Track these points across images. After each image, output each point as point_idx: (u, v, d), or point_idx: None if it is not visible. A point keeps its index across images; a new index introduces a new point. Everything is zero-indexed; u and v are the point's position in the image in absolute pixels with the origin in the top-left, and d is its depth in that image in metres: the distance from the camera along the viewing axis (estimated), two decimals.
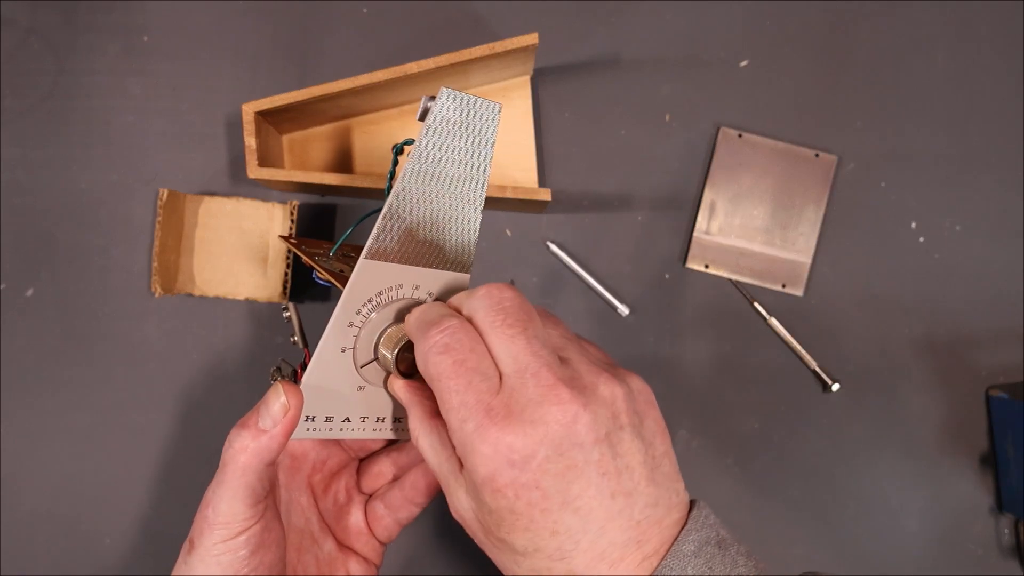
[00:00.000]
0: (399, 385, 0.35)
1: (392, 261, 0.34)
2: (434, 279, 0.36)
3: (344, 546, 0.39)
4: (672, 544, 0.30)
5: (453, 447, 0.31)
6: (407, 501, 0.39)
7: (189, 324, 0.55)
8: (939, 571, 0.55)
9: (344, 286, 0.34)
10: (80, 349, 0.55)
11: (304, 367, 0.35)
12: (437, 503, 0.54)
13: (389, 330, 0.35)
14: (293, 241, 0.36)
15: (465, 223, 0.36)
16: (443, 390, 0.30)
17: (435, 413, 0.33)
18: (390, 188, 0.35)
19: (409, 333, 0.33)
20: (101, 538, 0.54)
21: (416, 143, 0.33)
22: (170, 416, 0.55)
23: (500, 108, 0.35)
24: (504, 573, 0.32)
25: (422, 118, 0.33)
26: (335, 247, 0.41)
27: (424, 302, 0.36)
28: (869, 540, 0.55)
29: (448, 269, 0.36)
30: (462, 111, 0.34)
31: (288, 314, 0.38)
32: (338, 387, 0.35)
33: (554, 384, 0.29)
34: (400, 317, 0.35)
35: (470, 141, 0.34)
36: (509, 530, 0.29)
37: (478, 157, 0.35)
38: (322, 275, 0.38)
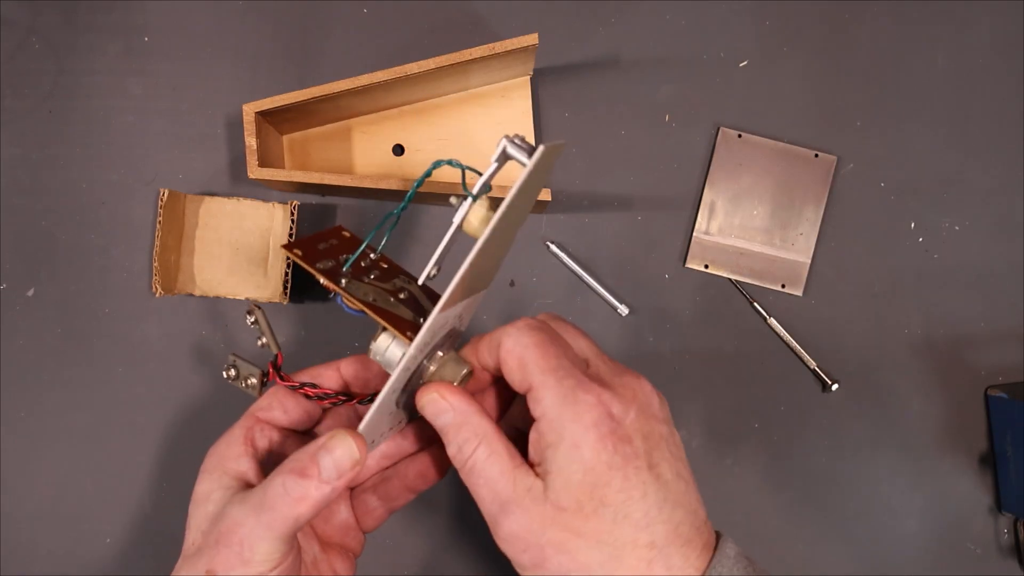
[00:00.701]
0: (455, 397, 0.33)
1: (455, 303, 0.33)
2: (467, 302, 0.36)
3: (327, 545, 0.39)
4: (718, 541, 0.32)
5: (514, 453, 0.32)
6: (407, 489, 0.39)
7: (189, 324, 0.55)
8: (939, 571, 0.55)
9: (378, 315, 0.33)
10: (80, 349, 0.55)
11: (277, 369, 0.35)
12: (450, 502, 0.55)
13: (444, 358, 0.34)
14: (298, 253, 0.34)
15: (506, 249, 0.36)
16: (540, 356, 0.32)
17: (493, 418, 0.34)
18: (410, 196, 0.35)
19: (485, 346, 0.34)
20: (101, 538, 0.54)
21: (510, 197, 0.31)
22: (170, 416, 0.55)
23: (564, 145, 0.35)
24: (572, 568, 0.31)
25: (501, 160, 0.33)
26: (349, 262, 0.37)
27: (461, 330, 0.37)
28: (869, 540, 0.55)
29: (481, 290, 0.37)
30: (549, 159, 0.33)
31: (253, 320, 0.37)
32: (383, 417, 0.35)
33: (626, 368, 0.34)
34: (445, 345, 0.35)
35: (539, 181, 0.34)
36: (603, 493, 0.30)
37: (536, 191, 0.35)
38: (352, 304, 0.34)
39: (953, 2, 0.57)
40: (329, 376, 0.38)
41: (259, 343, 0.37)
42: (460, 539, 0.55)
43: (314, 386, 0.37)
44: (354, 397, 0.37)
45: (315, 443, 0.32)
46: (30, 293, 0.55)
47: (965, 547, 0.55)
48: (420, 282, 0.36)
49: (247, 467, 0.35)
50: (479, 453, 0.32)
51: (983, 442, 0.55)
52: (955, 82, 0.56)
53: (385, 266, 0.37)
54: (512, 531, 0.31)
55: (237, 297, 0.53)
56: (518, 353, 0.32)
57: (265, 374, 0.36)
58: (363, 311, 0.33)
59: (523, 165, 0.32)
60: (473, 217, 0.33)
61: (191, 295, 0.54)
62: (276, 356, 0.37)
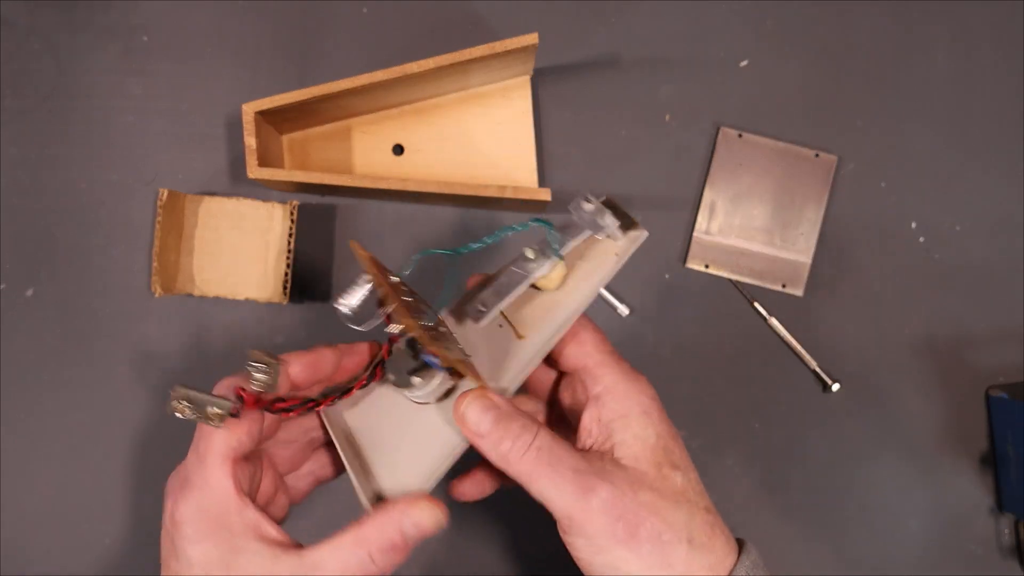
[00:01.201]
0: (495, 396, 0.33)
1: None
2: None
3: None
4: (741, 547, 0.34)
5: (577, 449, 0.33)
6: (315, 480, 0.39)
7: (189, 324, 0.55)
8: (939, 571, 0.55)
9: (473, 374, 0.33)
10: (80, 349, 0.55)
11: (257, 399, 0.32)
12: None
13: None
14: (405, 288, 0.33)
15: None
16: (599, 339, 0.36)
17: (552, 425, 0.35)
18: (496, 236, 0.35)
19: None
20: (101, 538, 0.54)
21: (603, 280, 0.36)
22: (170, 416, 0.54)
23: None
24: (647, 547, 0.31)
25: (593, 228, 0.36)
26: (440, 307, 0.36)
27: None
28: (869, 540, 0.55)
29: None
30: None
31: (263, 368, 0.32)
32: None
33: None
34: None
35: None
36: (672, 457, 0.33)
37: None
38: (444, 359, 0.32)
39: (953, 2, 0.57)
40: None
41: (257, 383, 0.33)
42: (463, 540, 0.55)
43: (281, 399, 0.33)
44: (319, 402, 0.34)
45: (396, 511, 0.31)
46: (30, 293, 0.55)
47: (965, 547, 0.55)
48: (482, 324, 0.36)
49: (255, 518, 0.31)
50: (542, 438, 0.32)
51: (983, 442, 0.55)
52: (955, 82, 0.56)
53: (406, 291, 0.35)
54: (605, 501, 0.31)
55: (236, 297, 0.53)
56: (582, 337, 0.35)
57: (238, 401, 0.32)
58: (452, 367, 0.33)
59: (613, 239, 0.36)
60: (556, 275, 0.35)
61: (191, 295, 0.54)
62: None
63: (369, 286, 0.32)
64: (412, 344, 0.34)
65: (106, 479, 0.54)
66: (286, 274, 0.53)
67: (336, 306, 0.32)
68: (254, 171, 0.49)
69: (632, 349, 0.55)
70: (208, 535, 0.30)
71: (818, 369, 0.55)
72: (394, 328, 0.33)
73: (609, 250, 0.36)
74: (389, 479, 0.33)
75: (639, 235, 0.37)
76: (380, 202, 0.56)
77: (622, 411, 0.33)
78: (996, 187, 0.56)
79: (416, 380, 0.33)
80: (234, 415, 0.31)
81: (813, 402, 0.55)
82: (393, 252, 0.55)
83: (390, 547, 0.30)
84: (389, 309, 0.33)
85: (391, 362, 0.34)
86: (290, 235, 0.53)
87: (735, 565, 0.32)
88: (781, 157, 0.56)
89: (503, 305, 0.35)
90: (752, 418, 0.55)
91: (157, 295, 0.51)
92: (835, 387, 0.55)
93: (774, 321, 0.55)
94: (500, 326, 0.36)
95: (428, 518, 0.31)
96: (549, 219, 0.36)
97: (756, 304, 0.55)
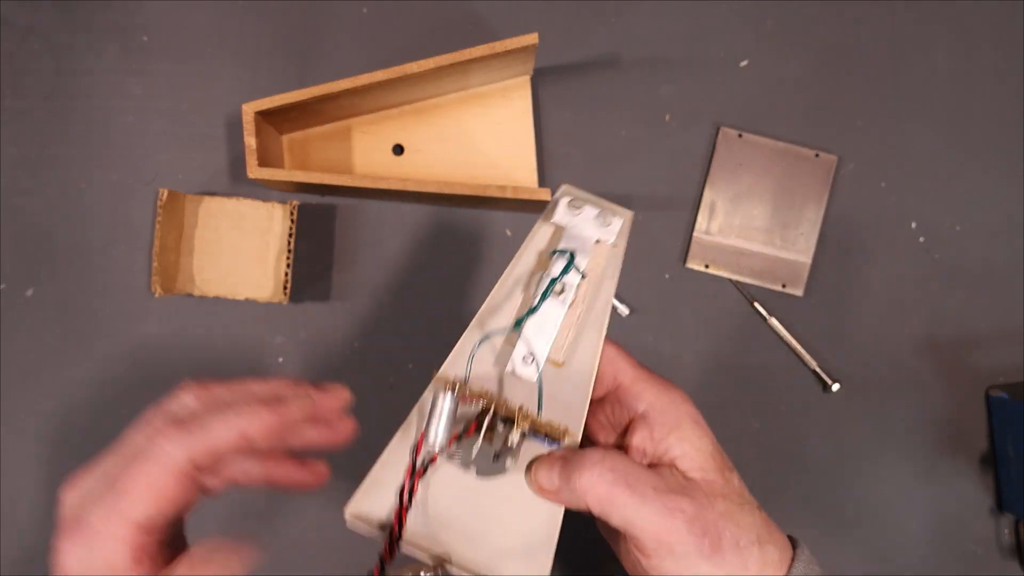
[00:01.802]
0: (599, 452, 0.32)
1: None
2: None
3: None
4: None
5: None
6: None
7: (189, 324, 0.55)
8: (939, 571, 0.55)
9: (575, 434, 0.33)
10: (80, 349, 0.54)
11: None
12: None
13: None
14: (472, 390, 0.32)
15: None
16: (629, 359, 0.36)
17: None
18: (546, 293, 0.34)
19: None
20: None
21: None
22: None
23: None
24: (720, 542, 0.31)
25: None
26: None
27: None
28: (870, 540, 0.55)
29: None
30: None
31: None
32: None
33: None
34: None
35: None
36: (725, 461, 0.34)
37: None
38: (553, 433, 0.33)
39: (953, 2, 0.57)
40: (222, 434, 0.29)
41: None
42: None
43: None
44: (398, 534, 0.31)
45: None
46: (29, 293, 0.55)
47: (965, 547, 0.55)
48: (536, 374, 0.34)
49: None
50: (614, 460, 0.31)
51: (984, 442, 0.55)
52: (955, 82, 0.56)
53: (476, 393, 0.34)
54: (691, 518, 0.30)
55: (236, 297, 0.53)
56: (610, 354, 0.35)
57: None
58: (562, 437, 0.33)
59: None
60: (581, 292, 0.35)
61: (191, 295, 0.54)
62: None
63: (448, 408, 0.31)
64: (490, 428, 0.33)
65: None
66: (286, 274, 0.53)
67: (435, 454, 0.30)
68: (254, 171, 0.49)
69: (632, 349, 0.55)
70: None
71: (818, 369, 0.55)
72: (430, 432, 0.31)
73: (608, 248, 0.35)
74: (506, 568, 0.32)
75: (629, 217, 0.36)
76: (380, 202, 0.56)
77: (673, 424, 0.33)
78: (996, 187, 0.56)
79: (508, 464, 0.33)
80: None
81: (813, 402, 0.55)
82: (393, 252, 0.55)
83: None
84: (487, 416, 0.32)
85: (462, 457, 0.33)
86: (290, 235, 0.53)
87: (793, 558, 0.32)
88: (781, 157, 0.56)
89: (551, 344, 0.34)
90: (752, 418, 0.55)
91: (157, 295, 0.51)
92: (835, 387, 0.55)
93: (774, 321, 0.55)
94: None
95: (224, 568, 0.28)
96: (565, 249, 0.35)
97: (756, 304, 0.55)
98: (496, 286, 0.34)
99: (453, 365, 0.34)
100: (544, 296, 0.33)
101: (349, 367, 0.55)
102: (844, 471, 0.55)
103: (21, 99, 0.55)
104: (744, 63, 0.56)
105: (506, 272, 0.35)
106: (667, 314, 0.55)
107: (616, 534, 0.36)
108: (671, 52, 0.56)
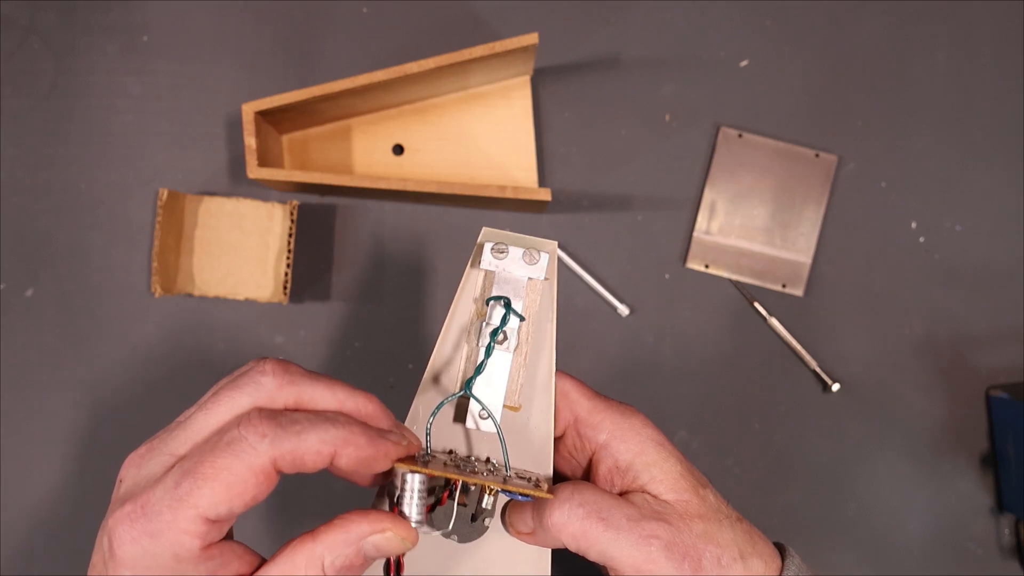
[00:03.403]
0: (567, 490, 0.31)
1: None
2: None
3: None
4: None
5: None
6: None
7: (189, 324, 0.55)
8: (939, 571, 0.55)
9: (548, 491, 0.31)
10: (80, 349, 0.54)
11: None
12: None
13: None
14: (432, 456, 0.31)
15: None
16: (580, 389, 0.34)
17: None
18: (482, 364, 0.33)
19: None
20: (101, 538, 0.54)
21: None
22: (170, 416, 0.54)
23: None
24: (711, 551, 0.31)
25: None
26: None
27: None
28: (870, 540, 0.55)
29: None
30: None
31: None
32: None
33: None
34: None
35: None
36: (697, 477, 0.33)
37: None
38: (525, 491, 0.31)
39: (953, 2, 0.57)
40: (316, 447, 0.27)
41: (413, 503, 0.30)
42: None
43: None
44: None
45: (356, 529, 0.27)
46: (29, 293, 0.55)
47: (966, 547, 0.55)
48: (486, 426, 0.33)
49: (212, 568, 0.27)
50: (584, 493, 0.31)
51: (984, 442, 0.55)
52: (955, 82, 0.56)
53: (438, 459, 0.33)
54: (668, 543, 0.30)
55: (236, 297, 0.53)
56: (562, 388, 0.34)
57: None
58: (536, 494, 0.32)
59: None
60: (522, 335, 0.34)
61: (190, 295, 0.54)
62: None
63: (417, 488, 0.29)
64: (460, 494, 0.32)
65: (106, 479, 0.54)
66: (286, 274, 0.53)
67: (416, 527, 0.29)
68: (254, 171, 0.49)
69: (632, 349, 0.55)
70: None
71: (818, 369, 0.55)
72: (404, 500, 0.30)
73: (541, 283, 0.34)
74: None
75: (553, 249, 0.35)
76: (380, 202, 0.56)
77: (637, 450, 0.32)
78: (996, 187, 0.56)
79: (488, 523, 0.32)
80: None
81: (813, 402, 0.55)
82: (393, 252, 0.55)
83: (347, 567, 0.27)
84: (456, 489, 0.31)
85: (439, 526, 0.32)
86: (290, 235, 0.53)
87: (782, 567, 0.32)
88: (781, 157, 0.56)
89: (503, 395, 0.33)
90: (752, 418, 0.55)
91: (157, 295, 0.51)
92: (835, 387, 0.55)
93: (774, 321, 0.55)
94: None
95: (392, 546, 0.27)
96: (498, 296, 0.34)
97: (756, 304, 0.55)
98: (439, 340, 0.34)
99: (411, 425, 0.33)
100: (488, 352, 0.33)
101: (349, 367, 0.55)
102: (844, 471, 0.55)
103: (21, 99, 0.55)
104: (744, 63, 0.56)
105: (445, 324, 0.34)
106: (667, 314, 0.55)
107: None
108: (671, 52, 0.56)
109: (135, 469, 0.28)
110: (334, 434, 0.27)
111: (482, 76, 0.53)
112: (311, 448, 0.26)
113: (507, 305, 0.33)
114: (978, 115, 0.56)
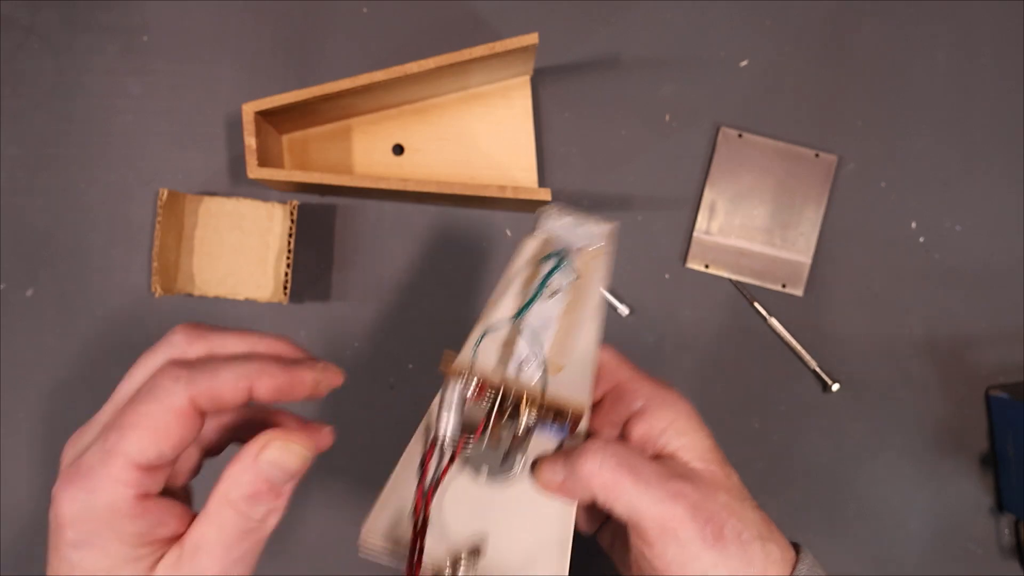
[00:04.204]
0: (601, 445, 0.32)
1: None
2: None
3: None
4: None
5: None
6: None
7: None
8: (939, 571, 0.55)
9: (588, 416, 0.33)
10: (80, 349, 0.54)
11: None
12: None
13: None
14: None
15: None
16: (620, 359, 0.36)
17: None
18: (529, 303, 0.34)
19: None
20: None
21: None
22: None
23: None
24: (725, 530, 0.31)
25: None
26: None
27: None
28: (869, 540, 0.55)
29: None
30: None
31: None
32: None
33: None
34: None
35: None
36: (728, 466, 0.33)
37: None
38: (575, 414, 0.33)
39: (953, 2, 0.57)
40: (230, 382, 0.27)
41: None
42: None
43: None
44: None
45: (248, 456, 0.27)
46: (29, 293, 0.55)
47: (965, 547, 0.55)
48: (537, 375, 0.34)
49: (152, 521, 0.27)
50: (616, 448, 0.31)
51: (984, 442, 0.55)
52: (955, 82, 0.56)
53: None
54: (695, 504, 0.30)
55: (236, 297, 0.53)
56: (606, 356, 0.36)
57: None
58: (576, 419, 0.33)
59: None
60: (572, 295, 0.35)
61: (190, 295, 0.54)
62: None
63: (455, 401, 0.30)
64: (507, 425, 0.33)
65: None
66: (286, 274, 0.53)
67: (444, 444, 0.29)
68: (254, 171, 0.49)
69: (632, 349, 0.55)
70: (94, 542, 0.26)
71: (818, 369, 0.55)
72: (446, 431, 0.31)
73: (596, 251, 0.36)
74: (527, 571, 0.32)
75: (613, 228, 0.37)
76: (380, 202, 0.56)
77: (671, 418, 0.33)
78: (996, 187, 0.56)
79: (519, 462, 0.33)
80: None
81: (813, 402, 0.55)
82: (393, 252, 0.55)
83: (254, 495, 0.27)
84: (495, 407, 0.32)
85: (472, 462, 0.33)
86: (290, 235, 0.53)
87: (797, 559, 0.32)
88: (781, 157, 0.56)
89: (549, 344, 0.34)
90: (752, 418, 0.55)
91: (157, 295, 0.51)
92: (835, 387, 0.55)
93: (774, 321, 0.55)
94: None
95: (287, 457, 0.27)
96: (559, 253, 0.35)
97: (756, 304, 0.55)
98: (495, 290, 0.35)
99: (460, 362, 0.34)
100: (538, 292, 0.34)
101: (349, 367, 0.55)
102: (844, 471, 0.55)
103: (21, 99, 0.55)
104: (744, 63, 0.56)
105: (502, 280, 0.35)
106: (667, 314, 0.55)
107: (618, 543, 0.36)
108: (671, 52, 0.56)
109: (71, 448, 0.28)
110: (248, 367, 0.27)
111: (482, 76, 0.53)
112: (227, 383, 0.27)
113: (561, 258, 0.34)
114: (978, 115, 0.56)
